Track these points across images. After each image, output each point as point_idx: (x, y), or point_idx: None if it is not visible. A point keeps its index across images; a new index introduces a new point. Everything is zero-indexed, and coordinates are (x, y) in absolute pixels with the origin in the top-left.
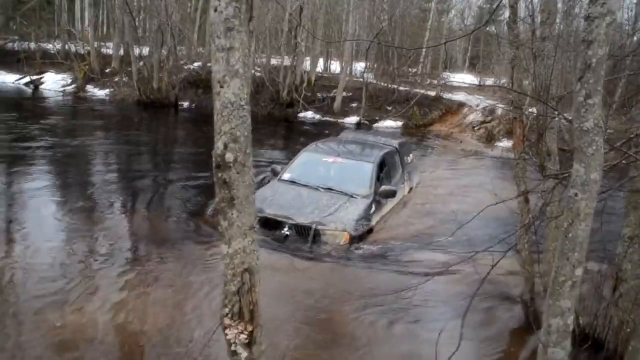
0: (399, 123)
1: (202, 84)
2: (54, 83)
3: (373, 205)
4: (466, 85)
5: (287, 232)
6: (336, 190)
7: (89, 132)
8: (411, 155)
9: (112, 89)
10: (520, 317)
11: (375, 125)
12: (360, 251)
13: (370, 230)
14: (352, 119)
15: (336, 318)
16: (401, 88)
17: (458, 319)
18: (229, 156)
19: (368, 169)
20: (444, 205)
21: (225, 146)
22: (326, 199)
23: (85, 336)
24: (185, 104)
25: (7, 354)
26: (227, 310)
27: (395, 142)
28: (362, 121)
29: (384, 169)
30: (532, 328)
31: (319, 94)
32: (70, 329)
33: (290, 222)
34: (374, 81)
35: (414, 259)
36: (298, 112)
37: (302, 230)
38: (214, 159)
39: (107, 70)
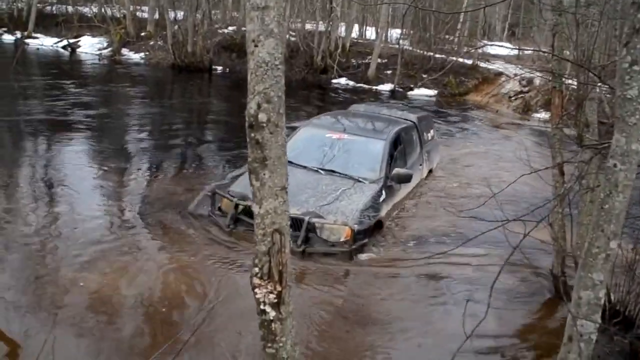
0: (434, 92)
1: (236, 48)
2: (90, 46)
3: (383, 192)
4: (508, 48)
5: None
6: (339, 174)
7: (124, 95)
8: (432, 131)
9: (147, 53)
10: (550, 289)
11: (409, 93)
12: (365, 256)
13: (379, 224)
14: (387, 87)
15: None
16: (437, 56)
17: (486, 287)
18: (262, 116)
19: (379, 147)
20: (469, 188)
21: (259, 106)
22: (326, 184)
23: (117, 299)
24: (219, 68)
25: (43, 313)
26: (256, 270)
27: (413, 116)
28: (397, 89)
29: (398, 148)
30: (561, 300)
31: (353, 61)
32: (104, 290)
33: (296, 214)
34: (410, 48)
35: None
36: (332, 79)
37: (293, 223)
38: (247, 119)
39: (142, 34)
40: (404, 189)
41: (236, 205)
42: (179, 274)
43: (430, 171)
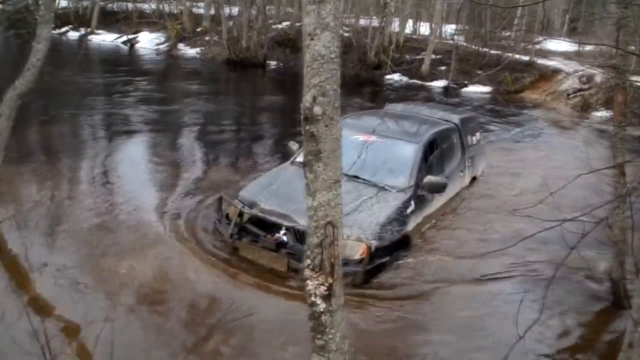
0: (489, 88)
1: (289, 43)
2: (148, 42)
3: (412, 203)
4: (568, 43)
5: (283, 238)
6: (363, 180)
7: (180, 89)
8: (478, 134)
9: (202, 48)
10: (607, 293)
11: (463, 89)
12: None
13: (405, 239)
14: (440, 83)
15: None
16: (492, 52)
17: (541, 288)
18: (318, 109)
19: (410, 152)
20: (520, 195)
21: (314, 99)
22: (346, 192)
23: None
24: (273, 64)
25: (101, 296)
26: (308, 261)
27: (455, 117)
28: (450, 85)
29: (433, 153)
30: (619, 305)
31: (407, 56)
32: (152, 277)
33: (286, 223)
34: (464, 44)
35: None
36: (385, 74)
37: (301, 237)
38: (302, 112)
39: (198, 30)
40: (439, 199)
41: (241, 213)
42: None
43: (474, 178)
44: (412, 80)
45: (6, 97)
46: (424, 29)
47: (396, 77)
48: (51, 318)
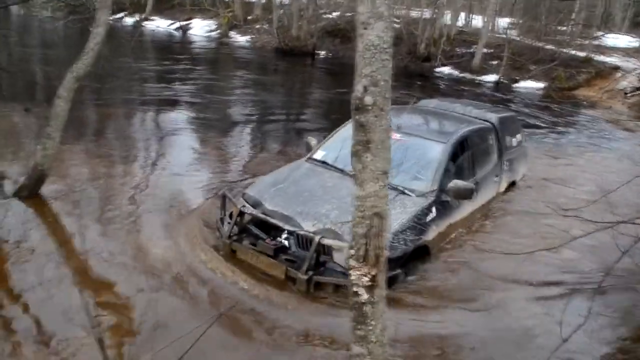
0: (541, 84)
1: (340, 33)
2: (200, 29)
3: (433, 209)
4: (630, 38)
5: (284, 242)
6: None
7: (229, 77)
8: (519, 135)
9: (253, 36)
10: None
11: (514, 85)
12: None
13: (424, 250)
14: (491, 77)
15: None
16: (547, 47)
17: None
18: (368, 99)
19: (436, 152)
20: (565, 204)
21: (365, 89)
22: None
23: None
24: (322, 53)
25: (149, 274)
26: (353, 252)
27: (493, 116)
28: (501, 80)
29: (463, 154)
30: None
31: (457, 50)
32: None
33: (288, 227)
34: (518, 38)
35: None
36: (434, 67)
37: (303, 243)
38: (352, 102)
39: (249, 18)
40: (466, 206)
41: (241, 213)
42: None
43: (513, 184)
44: (462, 74)
45: (65, 80)
46: (477, 21)
47: (446, 70)
48: (98, 291)
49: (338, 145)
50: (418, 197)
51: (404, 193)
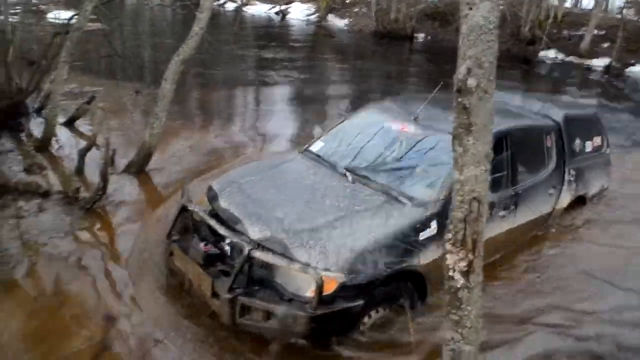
0: None
1: (439, 16)
2: (299, 12)
3: (433, 224)
4: None
5: (226, 249)
6: (375, 184)
7: (326, 61)
8: (598, 139)
9: (351, 20)
10: None
11: (627, 70)
12: None
13: (415, 279)
14: (601, 62)
15: None
16: None
17: None
18: (472, 81)
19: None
20: None
21: (469, 71)
22: (339, 196)
23: None
24: (421, 37)
25: None
26: (450, 235)
27: (558, 113)
28: (613, 64)
29: (498, 156)
30: None
31: (565, 32)
32: None
33: (223, 231)
34: (635, 19)
35: None
36: (539, 51)
37: (228, 252)
38: (455, 84)
39: (347, 1)
40: (494, 225)
41: (183, 208)
42: None
43: (582, 200)
44: (569, 58)
45: (171, 63)
46: (587, 1)
47: (551, 54)
48: None
49: (339, 137)
50: (415, 207)
51: (397, 200)
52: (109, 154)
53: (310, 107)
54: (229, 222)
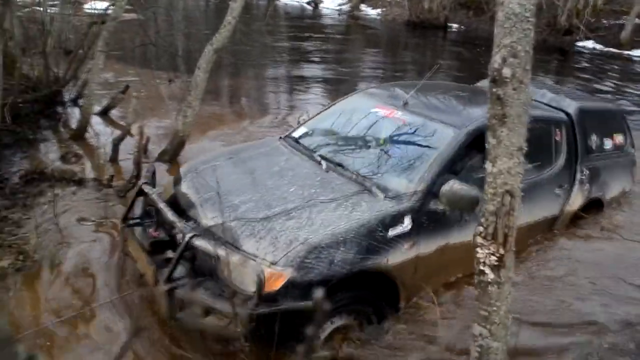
0: None
1: (473, 5)
2: (331, 2)
3: (406, 220)
4: None
5: (161, 236)
6: (350, 173)
7: (358, 49)
8: (619, 137)
9: (383, 9)
10: None
11: None
12: None
13: (381, 281)
14: None
15: None
16: None
17: None
18: (507, 71)
19: (441, 139)
20: None
21: (504, 60)
22: (305, 185)
23: None
24: (454, 26)
25: None
26: (481, 229)
27: (571, 104)
28: None
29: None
30: None
31: (604, 21)
32: None
33: (170, 216)
34: None
35: None
36: (576, 41)
37: (169, 240)
38: (489, 73)
39: None
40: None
41: (141, 191)
42: None
43: (599, 204)
44: (607, 49)
45: (204, 52)
46: None
47: (589, 44)
48: None
49: (324, 122)
50: (387, 199)
51: (369, 191)
52: (143, 142)
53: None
54: (184, 208)
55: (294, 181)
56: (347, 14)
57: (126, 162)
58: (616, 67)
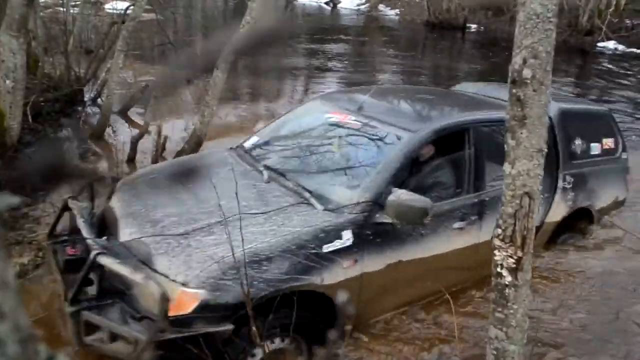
0: None
1: (492, 6)
2: (349, 2)
3: (345, 234)
4: None
5: (76, 254)
6: (292, 183)
7: (377, 50)
8: (609, 141)
9: (402, 9)
10: None
11: None
12: None
13: (315, 303)
14: None
15: None
16: None
17: None
18: (527, 72)
19: (393, 145)
20: None
21: (524, 61)
22: (245, 198)
23: None
24: (473, 27)
25: None
26: (499, 231)
27: (553, 105)
28: None
29: (455, 154)
30: None
31: (627, 21)
32: None
33: (85, 232)
34: None
35: None
36: (597, 42)
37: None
38: (509, 74)
39: None
40: (444, 239)
41: (65, 206)
42: None
43: (587, 212)
44: (630, 49)
45: (223, 52)
46: None
47: (611, 45)
48: None
49: (276, 130)
50: (328, 211)
51: (307, 202)
52: (161, 141)
53: None
54: (109, 223)
55: (228, 193)
56: (365, 14)
57: (144, 161)
58: (638, 68)
